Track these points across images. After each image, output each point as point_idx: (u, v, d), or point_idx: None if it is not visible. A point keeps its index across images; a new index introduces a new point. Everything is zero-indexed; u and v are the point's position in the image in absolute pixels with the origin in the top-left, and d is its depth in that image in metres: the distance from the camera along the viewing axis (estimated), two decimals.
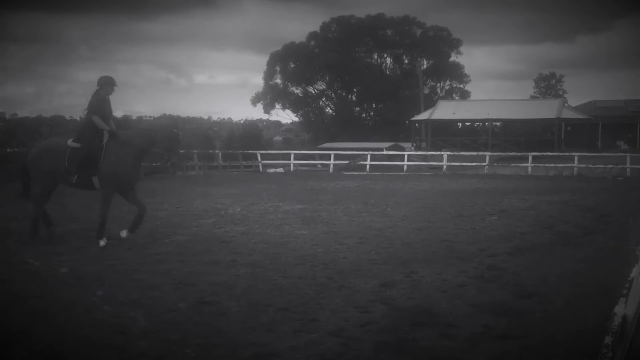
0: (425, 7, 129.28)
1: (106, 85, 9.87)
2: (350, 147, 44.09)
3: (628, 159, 29.91)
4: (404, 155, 35.34)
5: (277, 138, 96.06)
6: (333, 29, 68.94)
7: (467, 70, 70.36)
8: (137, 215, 9.75)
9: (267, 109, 71.39)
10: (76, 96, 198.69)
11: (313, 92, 70.92)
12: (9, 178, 22.88)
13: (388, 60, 71.56)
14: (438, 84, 70.54)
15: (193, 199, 16.22)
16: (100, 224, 9.44)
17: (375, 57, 71.22)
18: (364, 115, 72.21)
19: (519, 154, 35.94)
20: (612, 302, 3.89)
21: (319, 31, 69.43)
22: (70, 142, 9.64)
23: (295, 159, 35.79)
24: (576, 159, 30.55)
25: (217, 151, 37.16)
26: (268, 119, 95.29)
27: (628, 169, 28.91)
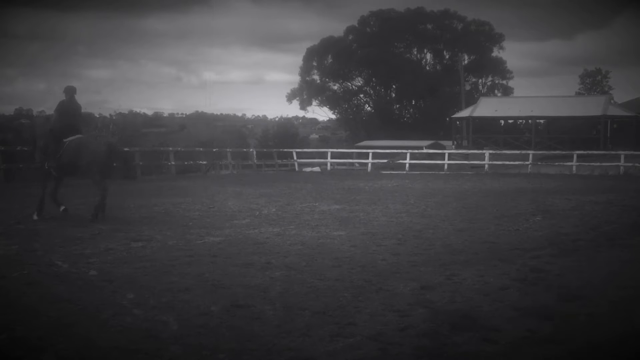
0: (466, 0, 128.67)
1: None
2: (388, 145, 43.95)
3: None
4: (444, 153, 34.99)
5: (314, 136, 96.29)
6: (372, 23, 68.56)
7: (508, 66, 69.56)
8: None
9: (304, 105, 71.30)
10: (91, 93, 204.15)
11: (351, 87, 70.61)
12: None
13: (428, 55, 71.19)
14: (480, 80, 69.88)
15: (226, 199, 16.18)
16: None
17: (415, 52, 70.76)
18: (403, 112, 71.80)
19: (564, 152, 35.44)
20: None
21: (357, 25, 69.07)
22: None
23: (332, 158, 35.68)
24: (622, 157, 30.01)
25: (251, 149, 37.30)
26: (304, 116, 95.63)
27: None
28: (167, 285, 6.81)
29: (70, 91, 12.32)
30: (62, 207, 12.07)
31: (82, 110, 13.24)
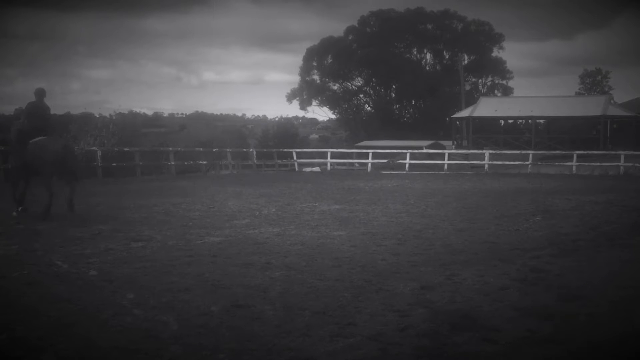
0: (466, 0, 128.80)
1: None
2: (389, 145, 43.93)
3: None
4: (444, 153, 34.96)
5: (314, 136, 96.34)
6: (372, 23, 68.61)
7: (508, 66, 69.61)
8: None
9: (304, 105, 71.33)
10: (91, 93, 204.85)
11: (351, 87, 70.65)
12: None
13: (428, 55, 71.26)
14: (480, 80, 69.89)
15: (226, 199, 16.15)
16: None
17: (415, 52, 70.80)
18: (403, 112, 71.81)
19: (563, 152, 35.42)
20: None
21: (357, 25, 69.13)
22: None
23: (332, 158, 35.64)
24: (622, 157, 29.97)
25: (251, 149, 37.30)
26: (304, 116, 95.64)
27: None
28: (167, 285, 6.80)
29: (39, 93, 12.47)
30: (19, 209, 12.07)
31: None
